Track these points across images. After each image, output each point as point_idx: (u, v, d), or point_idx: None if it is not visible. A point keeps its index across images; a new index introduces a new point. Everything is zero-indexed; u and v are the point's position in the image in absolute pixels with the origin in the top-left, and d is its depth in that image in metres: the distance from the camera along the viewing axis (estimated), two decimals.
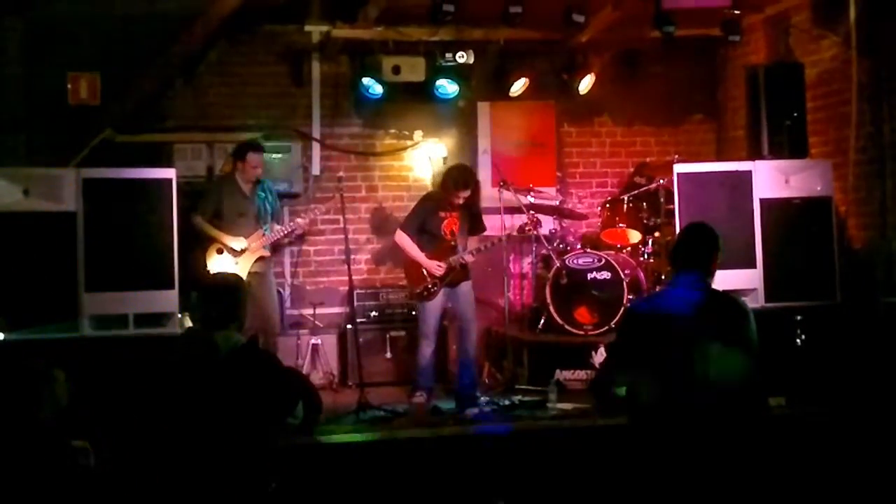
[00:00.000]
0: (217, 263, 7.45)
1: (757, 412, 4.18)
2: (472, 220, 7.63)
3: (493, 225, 8.05)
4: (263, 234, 7.65)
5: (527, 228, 7.83)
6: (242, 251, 7.53)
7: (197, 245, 7.51)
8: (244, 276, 7.47)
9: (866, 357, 6.86)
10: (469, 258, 7.50)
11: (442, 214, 7.50)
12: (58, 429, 4.28)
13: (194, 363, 4.31)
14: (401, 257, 8.04)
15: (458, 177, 7.44)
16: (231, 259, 7.51)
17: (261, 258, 7.66)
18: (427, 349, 7.53)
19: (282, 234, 7.83)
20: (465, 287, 7.55)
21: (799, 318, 7.17)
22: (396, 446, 6.48)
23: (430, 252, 7.45)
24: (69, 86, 8.07)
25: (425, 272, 7.43)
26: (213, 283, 4.65)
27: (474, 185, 7.52)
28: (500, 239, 7.84)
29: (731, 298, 4.32)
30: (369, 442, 6.54)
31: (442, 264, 7.39)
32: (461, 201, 7.43)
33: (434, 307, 7.50)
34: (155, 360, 5.07)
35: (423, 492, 5.91)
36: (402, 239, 7.55)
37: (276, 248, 7.99)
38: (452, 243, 7.48)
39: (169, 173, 7.09)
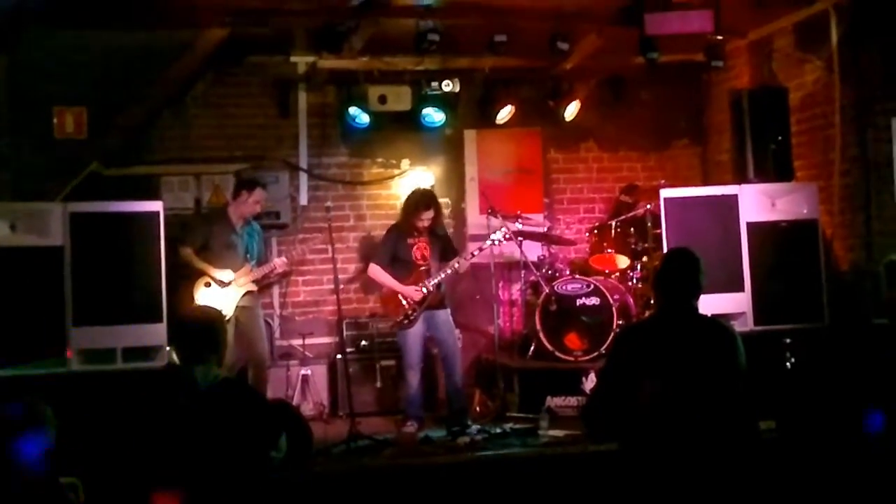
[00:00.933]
0: (204, 296, 7.43)
1: (747, 436, 4.19)
2: (442, 243, 7.67)
3: (483, 252, 8.02)
4: (250, 269, 7.64)
5: (491, 242, 7.69)
6: (229, 283, 7.51)
7: (184, 278, 7.50)
8: (232, 309, 7.47)
9: (855, 379, 6.86)
10: (443, 276, 7.49)
11: (410, 241, 7.57)
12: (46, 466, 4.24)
13: (173, 398, 4.26)
14: (379, 290, 8.02)
15: (420, 199, 7.56)
16: (219, 292, 7.49)
17: (248, 292, 7.65)
18: (413, 379, 7.55)
19: (263, 272, 7.81)
20: (444, 315, 7.60)
21: (788, 340, 7.19)
22: (388, 475, 6.45)
23: (405, 279, 7.51)
24: (55, 120, 8.05)
25: (402, 300, 7.45)
26: (191, 316, 4.59)
27: (435, 207, 7.57)
28: (471, 254, 7.71)
29: (718, 323, 4.34)
30: (361, 472, 6.51)
31: (419, 288, 7.41)
32: (426, 223, 7.49)
33: (415, 335, 7.53)
34: (136, 395, 5.02)
35: None
36: (376, 271, 7.59)
37: (261, 283, 7.95)
38: (424, 268, 7.52)
39: (156, 206, 7.08)
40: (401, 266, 7.55)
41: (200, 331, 4.39)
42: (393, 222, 7.95)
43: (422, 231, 7.56)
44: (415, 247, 7.58)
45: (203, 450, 4.13)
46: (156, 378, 6.37)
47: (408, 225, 7.57)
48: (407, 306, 7.47)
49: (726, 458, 4.05)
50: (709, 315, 4.34)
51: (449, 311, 7.69)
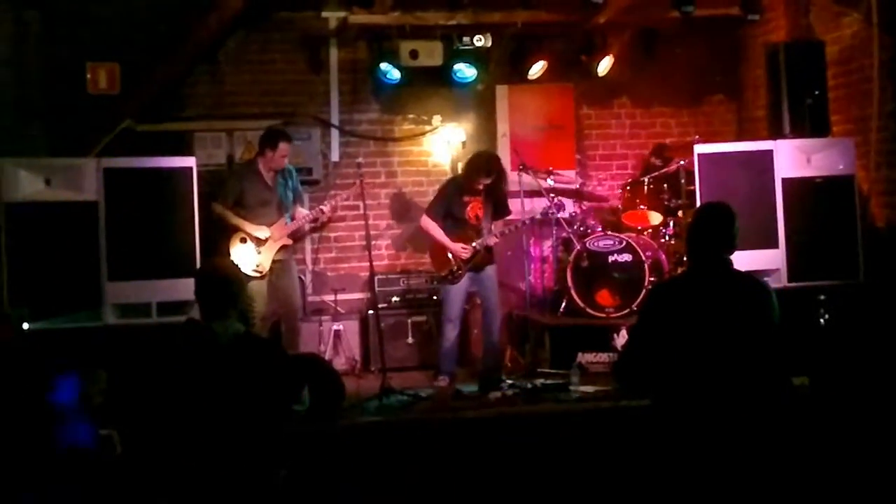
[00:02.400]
0: (240, 252, 7.46)
1: (781, 391, 4.17)
2: (497, 204, 7.67)
3: (514, 208, 8.05)
4: (286, 224, 7.66)
5: (549, 212, 7.91)
6: (266, 240, 7.54)
7: (219, 233, 7.53)
8: (268, 265, 7.51)
9: (888, 336, 6.82)
10: (493, 241, 7.55)
11: (466, 199, 7.55)
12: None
13: (193, 353, 4.29)
14: (424, 242, 8.14)
15: (482, 165, 7.50)
16: (254, 248, 7.52)
17: (283, 246, 7.68)
18: (451, 333, 7.58)
19: (306, 220, 7.82)
20: (490, 271, 7.60)
21: (822, 297, 7.13)
22: (420, 429, 6.50)
23: (456, 236, 7.50)
24: (88, 76, 8.11)
25: (450, 256, 7.48)
26: (209, 272, 4.59)
27: (498, 173, 7.55)
28: (523, 222, 7.91)
29: (751, 278, 4.31)
30: (392, 424, 6.57)
31: (468, 247, 7.45)
32: (483, 187, 7.47)
33: (458, 291, 7.54)
34: (156, 349, 5.06)
35: (445, 475, 5.93)
36: (428, 223, 7.59)
37: (296, 235, 7.98)
38: (478, 227, 7.53)
39: (189, 162, 7.12)
40: (453, 222, 7.55)
41: (219, 286, 4.38)
42: (429, 178, 7.95)
43: (479, 191, 7.54)
44: (469, 205, 7.56)
45: (224, 404, 4.15)
46: (174, 332, 6.43)
47: (467, 184, 7.55)
48: (453, 263, 7.49)
49: (759, 413, 4.03)
50: (743, 270, 4.30)
51: (495, 267, 7.70)
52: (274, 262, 7.57)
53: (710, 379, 4.05)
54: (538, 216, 8.02)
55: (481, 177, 7.43)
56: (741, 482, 3.99)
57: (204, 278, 4.45)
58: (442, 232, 7.54)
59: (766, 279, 7.21)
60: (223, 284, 4.38)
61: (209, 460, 4.12)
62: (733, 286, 4.21)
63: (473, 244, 7.47)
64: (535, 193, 8.46)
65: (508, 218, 7.87)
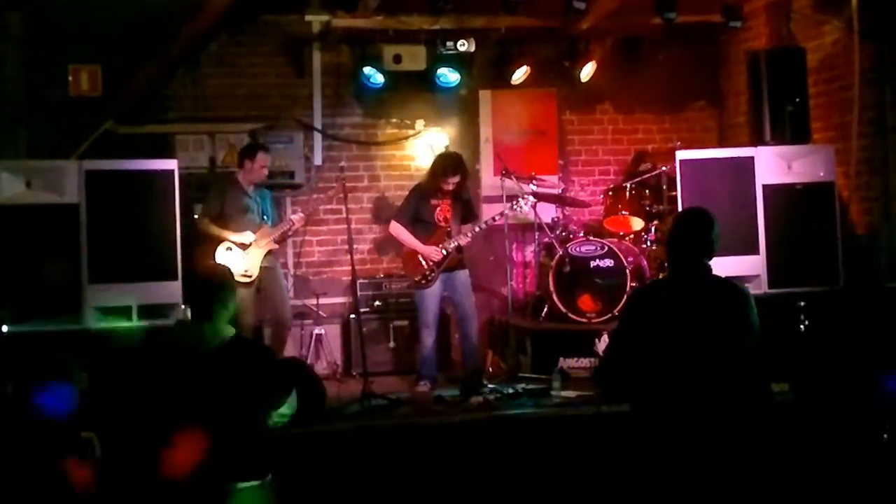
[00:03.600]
0: (226, 259, 7.43)
1: (759, 397, 4.18)
2: (464, 207, 7.69)
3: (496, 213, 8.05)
4: (269, 230, 7.65)
5: (515, 208, 7.89)
6: (250, 244, 7.52)
7: (205, 244, 7.51)
8: (256, 270, 7.50)
9: (868, 342, 6.86)
10: (464, 240, 7.56)
11: (434, 202, 7.58)
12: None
13: (180, 355, 4.28)
14: (399, 247, 8.08)
15: (447, 164, 7.55)
16: (240, 253, 7.50)
17: (269, 252, 7.67)
18: (428, 338, 7.59)
19: (281, 230, 7.82)
20: (463, 276, 7.62)
21: (802, 303, 7.17)
22: (400, 434, 6.49)
23: (426, 239, 7.54)
24: (70, 78, 8.06)
25: (422, 260, 7.49)
26: (200, 273, 4.59)
27: (462, 172, 7.57)
28: (493, 218, 7.85)
29: (731, 284, 4.32)
30: (374, 428, 6.55)
31: (439, 249, 7.44)
32: (451, 188, 7.50)
33: (432, 295, 7.56)
34: (140, 352, 5.04)
35: (426, 480, 5.92)
36: (397, 228, 7.62)
37: (280, 241, 7.97)
38: (447, 229, 7.55)
39: (171, 164, 7.10)
40: (422, 226, 7.58)
41: (208, 286, 4.39)
42: (412, 182, 7.95)
43: (446, 193, 7.56)
44: (438, 208, 7.59)
45: (211, 406, 4.13)
46: (161, 335, 6.40)
47: (433, 186, 7.58)
48: (425, 266, 7.50)
49: (737, 419, 4.04)
50: (722, 276, 4.32)
51: (468, 272, 7.72)
52: (262, 269, 7.56)
53: (688, 384, 4.05)
54: (508, 212, 7.99)
55: (448, 175, 7.47)
56: (720, 488, 4.01)
57: (195, 279, 4.45)
58: (412, 236, 7.55)
59: (746, 285, 7.25)
60: (213, 285, 4.38)
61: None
62: (712, 291, 4.21)
63: (443, 245, 7.48)
64: (516, 198, 8.44)
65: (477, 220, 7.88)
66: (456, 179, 7.50)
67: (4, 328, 6.42)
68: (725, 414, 4.03)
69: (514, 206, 7.92)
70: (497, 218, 7.95)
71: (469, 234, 7.60)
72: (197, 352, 4.23)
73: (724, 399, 4.05)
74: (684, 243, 4.27)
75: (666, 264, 8.00)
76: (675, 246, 4.31)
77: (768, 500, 4.12)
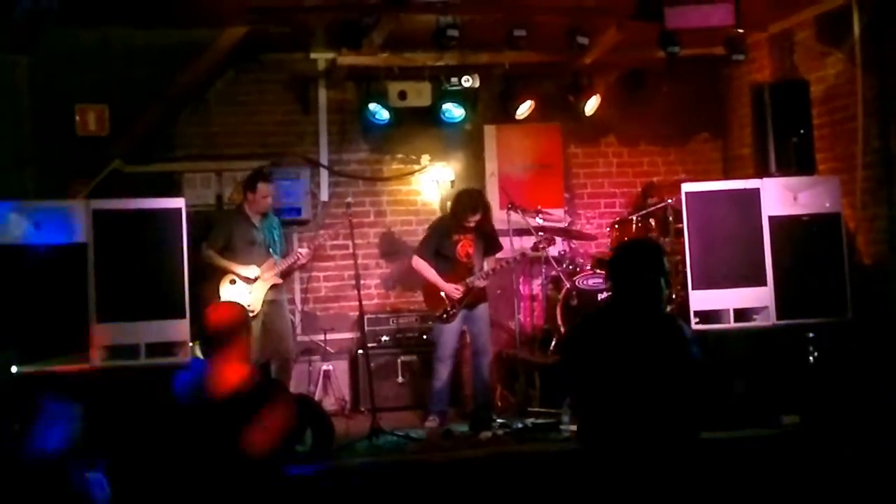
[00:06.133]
0: (230, 294, 7.46)
1: (686, 436, 4.12)
2: (487, 240, 7.70)
3: (504, 246, 8.06)
4: (275, 263, 7.67)
5: (540, 246, 7.95)
6: (256, 279, 7.54)
7: (208, 277, 7.52)
8: (259, 305, 7.51)
9: (877, 373, 6.84)
10: (482, 283, 7.57)
11: (455, 237, 7.59)
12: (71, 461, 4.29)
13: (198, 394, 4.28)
14: (414, 281, 8.24)
15: (468, 201, 7.56)
16: (245, 288, 7.52)
17: (274, 286, 7.68)
18: (444, 372, 7.60)
19: (286, 264, 7.83)
20: (482, 309, 7.64)
21: (811, 335, 7.14)
22: (410, 470, 6.47)
23: (447, 275, 7.53)
24: (77, 118, 8.09)
25: (444, 295, 7.48)
26: (214, 313, 4.61)
27: (484, 208, 7.59)
28: (515, 259, 7.89)
29: (669, 318, 4.30)
30: (383, 465, 6.54)
31: (459, 287, 7.48)
32: (473, 224, 7.50)
33: (452, 330, 7.56)
34: (161, 390, 5.06)
35: None
36: (419, 264, 7.63)
37: (286, 274, 7.99)
38: (469, 265, 7.55)
39: (178, 203, 7.10)
40: (444, 261, 7.60)
41: (224, 326, 4.41)
42: (418, 217, 7.97)
43: (468, 229, 7.58)
44: (459, 244, 7.63)
45: (230, 445, 4.14)
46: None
47: (455, 222, 7.59)
48: (447, 302, 7.50)
49: (666, 457, 4.02)
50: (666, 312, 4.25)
51: (487, 305, 7.73)
52: (266, 302, 7.58)
53: (625, 422, 4.04)
54: (529, 252, 8.02)
55: (468, 213, 7.49)
56: None
57: (209, 319, 4.46)
58: (434, 272, 7.57)
59: (755, 317, 7.26)
60: (228, 325, 4.39)
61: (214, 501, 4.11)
62: (647, 326, 4.13)
63: (465, 282, 7.49)
64: (524, 232, 8.47)
65: (499, 255, 7.89)
66: (477, 217, 7.53)
67: (14, 368, 6.42)
68: (653, 451, 4.00)
69: (539, 246, 7.98)
70: (519, 259, 7.99)
71: (485, 278, 7.64)
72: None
73: (652, 436, 4.02)
74: (622, 276, 4.21)
75: (672, 296, 8.05)
76: (613, 278, 4.26)
77: None
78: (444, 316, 7.53)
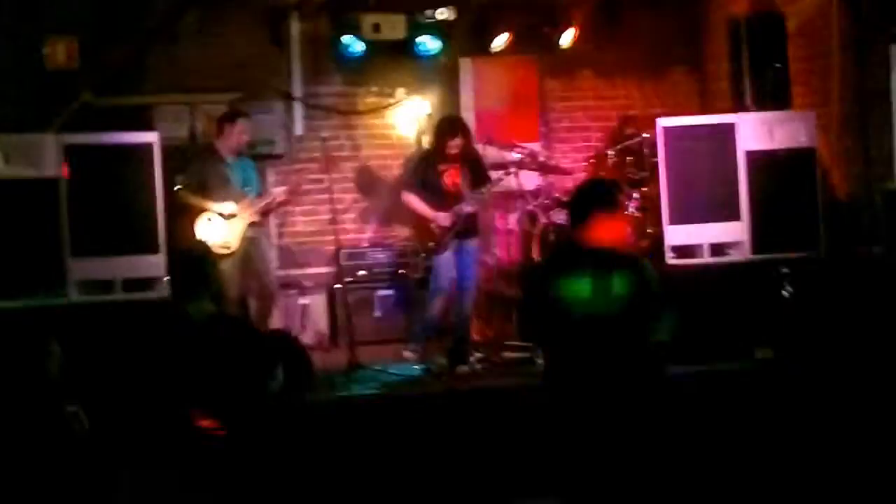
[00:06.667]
0: (206, 231, 7.38)
1: (649, 364, 4.27)
2: (474, 170, 7.61)
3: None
4: (251, 202, 7.61)
5: (511, 172, 7.89)
6: (232, 216, 7.48)
7: (185, 213, 7.46)
8: (237, 241, 7.45)
9: (850, 308, 6.92)
10: (468, 209, 7.45)
11: (441, 167, 7.51)
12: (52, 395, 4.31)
13: (167, 336, 4.29)
14: (391, 215, 8.39)
15: (447, 127, 7.51)
16: (221, 223, 7.45)
17: (253, 223, 7.62)
18: (440, 302, 7.56)
19: (263, 202, 7.76)
20: (473, 244, 7.59)
21: (785, 270, 7.20)
22: (389, 404, 6.53)
23: (436, 206, 7.45)
24: (46, 50, 7.98)
25: (433, 226, 7.44)
26: (180, 254, 4.62)
27: (464, 133, 7.51)
28: (499, 178, 7.75)
29: (630, 256, 4.47)
30: (360, 400, 6.58)
31: (448, 214, 7.39)
32: (455, 151, 7.43)
33: (447, 260, 7.50)
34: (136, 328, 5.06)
35: (414, 450, 5.96)
36: (408, 197, 7.59)
37: (265, 213, 7.93)
38: (457, 195, 7.48)
39: (151, 137, 7.05)
40: (432, 193, 7.50)
41: (189, 267, 4.41)
42: (394, 152, 7.89)
43: (452, 158, 7.50)
44: (445, 173, 7.52)
45: (201, 382, 4.15)
46: (155, 311, 6.36)
47: (437, 152, 7.54)
48: (437, 232, 7.46)
49: (628, 390, 4.17)
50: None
51: (477, 241, 7.70)
52: (245, 239, 7.52)
53: (581, 345, 4.19)
54: (502, 176, 7.86)
55: (448, 138, 7.41)
56: (619, 457, 4.14)
57: (176, 260, 4.46)
58: (422, 203, 7.50)
59: (730, 251, 7.31)
60: (194, 266, 4.39)
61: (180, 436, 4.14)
62: (607, 255, 4.29)
63: (453, 210, 7.42)
64: (499, 166, 8.43)
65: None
66: (458, 142, 7.42)
67: None
68: (615, 382, 4.16)
69: (511, 172, 7.88)
70: (502, 177, 7.83)
71: (472, 204, 7.52)
72: (184, 331, 4.23)
73: (616, 362, 4.17)
74: (583, 208, 4.35)
75: (649, 230, 8.08)
76: (571, 214, 4.43)
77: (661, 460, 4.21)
78: (437, 247, 7.47)
